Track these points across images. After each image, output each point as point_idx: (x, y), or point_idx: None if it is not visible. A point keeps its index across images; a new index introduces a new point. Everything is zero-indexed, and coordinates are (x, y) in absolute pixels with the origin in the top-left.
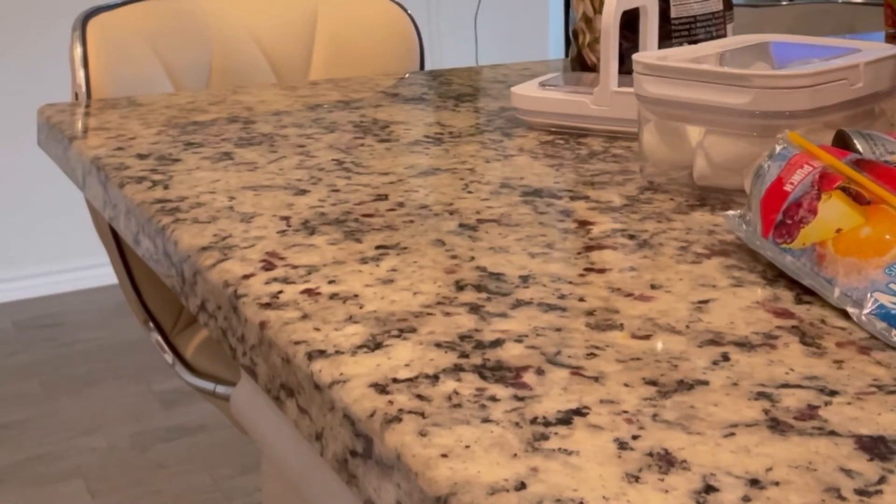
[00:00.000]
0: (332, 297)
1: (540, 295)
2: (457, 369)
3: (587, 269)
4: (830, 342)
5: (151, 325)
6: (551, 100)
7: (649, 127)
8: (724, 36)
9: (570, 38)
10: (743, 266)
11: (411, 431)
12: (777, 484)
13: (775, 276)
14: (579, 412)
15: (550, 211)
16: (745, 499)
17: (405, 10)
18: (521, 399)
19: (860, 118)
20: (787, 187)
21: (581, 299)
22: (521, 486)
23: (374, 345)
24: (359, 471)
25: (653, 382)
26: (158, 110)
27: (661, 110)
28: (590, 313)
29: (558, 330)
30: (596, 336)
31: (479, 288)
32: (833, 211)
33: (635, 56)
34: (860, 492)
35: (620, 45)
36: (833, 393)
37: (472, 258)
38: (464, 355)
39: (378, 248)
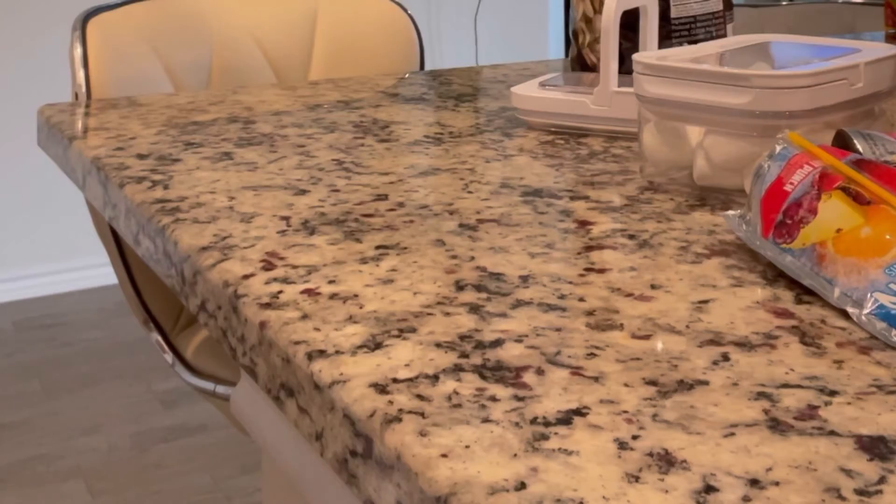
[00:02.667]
0: (332, 297)
1: (540, 295)
2: (457, 369)
3: (587, 269)
4: (830, 342)
5: (151, 325)
6: (551, 100)
7: (649, 127)
8: (724, 36)
9: (570, 38)
10: (743, 266)
11: (411, 431)
12: (777, 484)
13: (775, 276)
14: (579, 412)
15: (550, 211)
16: (745, 499)
17: (405, 10)
18: (521, 399)
19: (860, 118)
20: (787, 187)
21: (581, 299)
22: (521, 486)
23: (374, 345)
24: (359, 471)
25: (653, 382)
26: (158, 110)
27: (661, 110)
28: (590, 313)
29: (558, 330)
30: (596, 336)
31: (479, 288)
32: (833, 211)
33: (635, 56)
34: (860, 492)
35: (620, 44)
36: (833, 393)
37: (472, 258)
38: (464, 355)
39: (378, 248)
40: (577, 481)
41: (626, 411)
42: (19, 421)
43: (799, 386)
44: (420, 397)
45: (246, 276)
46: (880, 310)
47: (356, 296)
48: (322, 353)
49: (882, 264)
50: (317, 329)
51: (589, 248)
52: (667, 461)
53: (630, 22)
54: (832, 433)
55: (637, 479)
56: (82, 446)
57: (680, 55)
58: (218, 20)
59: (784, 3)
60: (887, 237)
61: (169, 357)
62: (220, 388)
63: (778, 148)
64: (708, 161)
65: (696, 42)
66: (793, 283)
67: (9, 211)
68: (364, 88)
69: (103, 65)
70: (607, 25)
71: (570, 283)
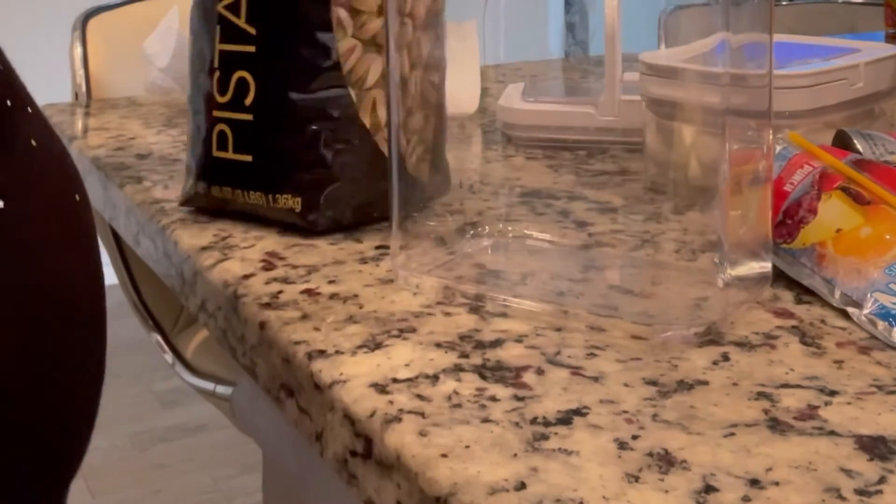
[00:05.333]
0: (332, 297)
1: (540, 294)
2: (457, 369)
3: (586, 269)
4: (830, 342)
5: (151, 325)
6: (550, 113)
7: (651, 127)
8: None
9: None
10: None
11: (411, 431)
12: (777, 484)
13: (775, 276)
14: (579, 412)
15: (549, 212)
16: (745, 499)
17: None
18: (521, 399)
19: (860, 118)
20: (787, 187)
21: (580, 298)
22: (521, 486)
23: (374, 345)
24: (359, 471)
25: (653, 382)
26: (158, 110)
27: (661, 110)
28: (590, 313)
29: (558, 330)
30: (596, 336)
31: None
32: (833, 211)
33: (640, 56)
34: (860, 492)
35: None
36: (833, 393)
37: (472, 258)
38: (464, 355)
39: (378, 247)
40: (577, 481)
41: (626, 411)
42: None
43: (799, 386)
44: (420, 397)
45: (246, 276)
46: (880, 310)
47: (356, 296)
48: (322, 353)
49: (882, 264)
50: (317, 329)
51: (588, 248)
52: (667, 461)
53: None
54: (832, 433)
55: (637, 479)
56: None
57: (680, 55)
58: None
59: (784, 3)
60: (887, 237)
61: (169, 357)
62: (220, 388)
63: (778, 148)
64: (699, 161)
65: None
66: (793, 283)
67: None
68: None
69: (103, 65)
70: (611, 26)
71: (570, 281)
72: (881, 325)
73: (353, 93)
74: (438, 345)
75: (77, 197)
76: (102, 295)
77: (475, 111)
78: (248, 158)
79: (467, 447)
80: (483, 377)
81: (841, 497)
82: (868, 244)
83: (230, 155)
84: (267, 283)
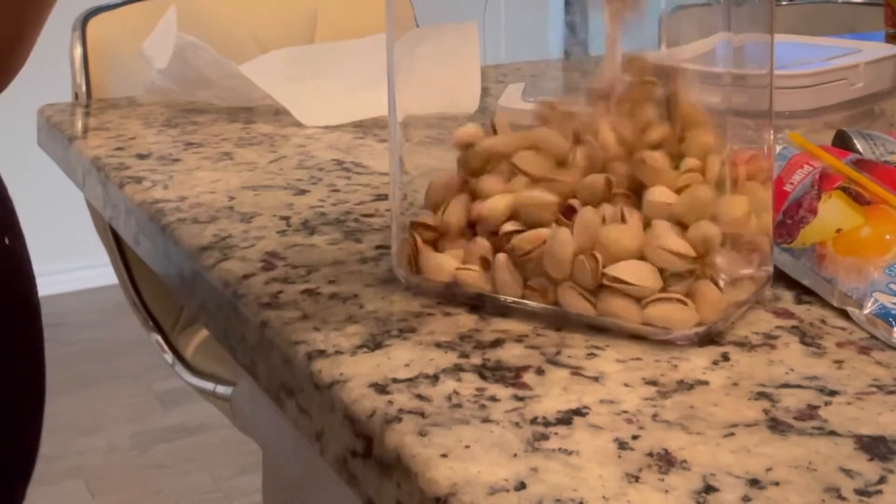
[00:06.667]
0: (332, 297)
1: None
2: (457, 369)
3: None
4: (830, 342)
5: (151, 324)
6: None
7: None
8: None
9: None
10: None
11: (411, 431)
12: (777, 484)
13: (775, 276)
14: (579, 412)
15: None
16: (745, 499)
17: (410, 10)
18: (521, 399)
19: (860, 118)
20: (787, 187)
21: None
22: (521, 486)
23: (374, 345)
24: (359, 471)
25: (653, 382)
26: (158, 110)
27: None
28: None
29: (558, 330)
30: (596, 336)
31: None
32: (833, 211)
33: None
34: (860, 492)
35: None
36: (833, 393)
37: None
38: (464, 355)
39: (378, 248)
40: (577, 481)
41: (626, 411)
42: None
43: (799, 386)
44: (420, 397)
45: (246, 276)
46: (880, 310)
47: (356, 296)
48: (322, 353)
49: (882, 264)
50: (317, 329)
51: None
52: (667, 461)
53: None
54: (832, 433)
55: (637, 479)
56: (82, 446)
57: (679, 54)
58: (218, 20)
59: (784, 3)
60: (887, 237)
61: (169, 357)
62: (220, 388)
63: (778, 148)
64: None
65: None
66: (793, 283)
67: None
68: None
69: (103, 65)
70: (612, 29)
71: None
72: (881, 325)
73: None
74: (438, 345)
75: (6, 241)
76: (40, 336)
77: (475, 111)
78: None
79: (467, 447)
80: (483, 377)
81: (841, 497)
82: (868, 244)
83: None
84: (267, 283)
